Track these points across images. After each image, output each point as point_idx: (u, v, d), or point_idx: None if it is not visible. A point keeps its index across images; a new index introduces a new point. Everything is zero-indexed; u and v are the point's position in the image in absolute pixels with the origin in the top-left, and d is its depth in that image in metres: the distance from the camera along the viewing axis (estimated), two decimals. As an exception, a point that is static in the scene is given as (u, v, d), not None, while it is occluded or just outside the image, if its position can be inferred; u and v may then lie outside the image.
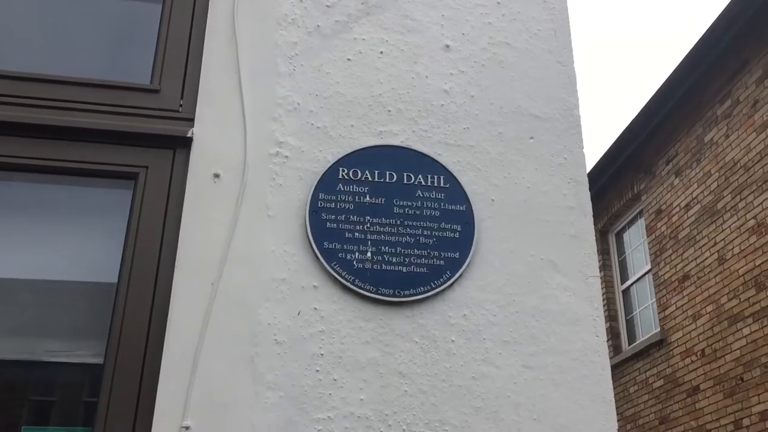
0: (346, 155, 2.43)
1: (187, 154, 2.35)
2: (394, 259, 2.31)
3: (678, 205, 8.72)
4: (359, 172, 2.41)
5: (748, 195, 7.45)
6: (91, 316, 2.41)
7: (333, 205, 2.35)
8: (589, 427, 2.22)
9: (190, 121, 2.40)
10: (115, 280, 2.20)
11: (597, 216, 10.29)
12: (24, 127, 2.32)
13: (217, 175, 2.32)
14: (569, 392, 2.26)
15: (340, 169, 2.40)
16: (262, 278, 2.22)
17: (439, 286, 2.30)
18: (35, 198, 2.52)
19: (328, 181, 2.38)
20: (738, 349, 7.39)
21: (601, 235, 10.48)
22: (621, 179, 10.03)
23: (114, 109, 2.39)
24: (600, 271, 10.19)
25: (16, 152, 2.30)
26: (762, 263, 7.14)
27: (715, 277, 7.90)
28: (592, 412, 2.25)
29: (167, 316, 2.13)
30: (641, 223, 9.80)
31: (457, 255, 2.36)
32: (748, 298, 7.30)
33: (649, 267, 9.43)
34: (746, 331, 7.29)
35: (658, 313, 9.00)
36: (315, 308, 2.22)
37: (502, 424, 2.18)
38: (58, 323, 2.46)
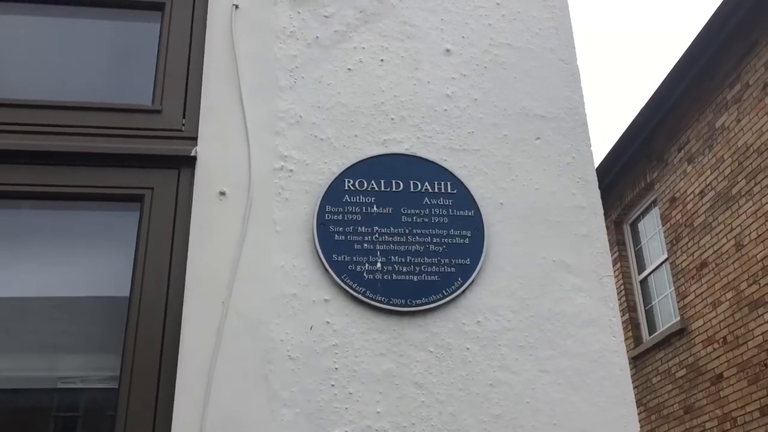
0: (351, 166, 2.41)
1: (192, 173, 2.34)
2: (404, 269, 2.30)
3: (692, 192, 8.64)
4: (365, 182, 2.40)
5: (763, 179, 7.37)
6: (104, 338, 2.41)
7: (340, 217, 2.33)
8: (610, 429, 2.19)
9: (194, 139, 2.39)
10: (126, 303, 2.20)
11: (611, 207, 10.24)
12: (28, 155, 2.32)
13: (222, 193, 2.31)
14: (588, 395, 2.23)
15: (346, 180, 2.39)
16: (272, 294, 2.21)
17: (451, 293, 2.28)
18: (43, 224, 2.53)
19: (334, 193, 2.36)
20: (760, 335, 7.30)
21: (616, 226, 10.40)
22: (633, 169, 9.95)
23: (117, 131, 2.40)
24: (616, 263, 10.09)
25: (22, 180, 2.31)
26: (780, 247, 7.06)
27: (733, 263, 7.82)
28: (612, 414, 2.21)
29: (179, 336, 2.13)
30: (656, 212, 9.72)
31: (467, 261, 2.33)
32: (768, 283, 7.22)
33: (666, 256, 9.35)
34: (768, 316, 7.22)
35: (678, 302, 8.92)
36: (327, 322, 2.21)
37: (521, 430, 2.15)
38: (72, 345, 2.46)
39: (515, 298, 2.32)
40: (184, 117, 2.44)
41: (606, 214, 2.54)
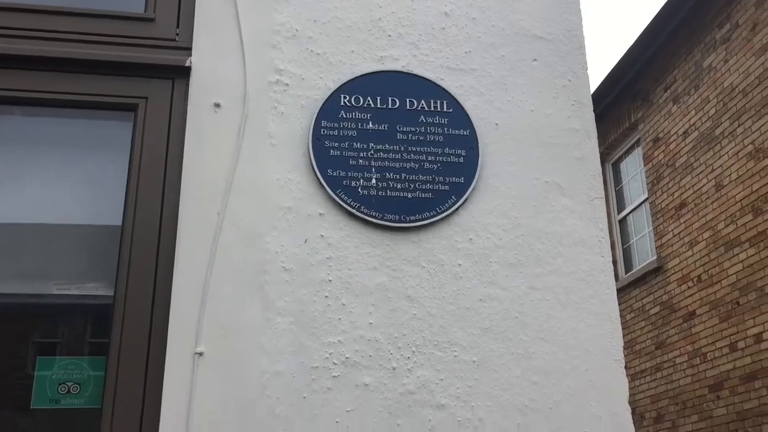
0: (348, 82, 2.39)
1: (187, 83, 2.31)
2: (398, 185, 2.31)
3: (676, 132, 8.69)
4: (361, 98, 2.38)
5: (746, 120, 7.42)
6: (98, 245, 2.41)
7: (336, 133, 2.33)
8: (595, 345, 2.26)
9: (188, 50, 2.35)
10: (121, 212, 2.20)
11: (594, 146, 10.26)
12: (20, 60, 2.28)
13: (217, 105, 2.29)
14: (576, 312, 2.29)
15: (342, 95, 2.37)
16: (267, 207, 2.22)
17: (445, 211, 2.31)
18: (37, 131, 2.49)
19: (329, 109, 2.35)
20: (734, 273, 7.49)
21: (598, 166, 10.45)
22: (618, 108, 9.97)
23: (110, 39, 2.35)
24: (598, 201, 10.14)
25: (13, 85, 2.27)
26: (759, 188, 7.17)
27: (712, 203, 7.94)
28: (598, 330, 2.28)
29: (175, 246, 2.14)
30: (638, 152, 9.79)
31: (461, 180, 2.35)
32: (745, 223, 7.36)
33: (646, 196, 9.46)
34: (742, 255, 7.37)
35: (655, 241, 9.08)
36: (321, 235, 2.23)
37: (509, 343, 2.21)
38: (65, 253, 2.46)
39: (507, 217, 2.35)
40: (177, 27, 2.40)
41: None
